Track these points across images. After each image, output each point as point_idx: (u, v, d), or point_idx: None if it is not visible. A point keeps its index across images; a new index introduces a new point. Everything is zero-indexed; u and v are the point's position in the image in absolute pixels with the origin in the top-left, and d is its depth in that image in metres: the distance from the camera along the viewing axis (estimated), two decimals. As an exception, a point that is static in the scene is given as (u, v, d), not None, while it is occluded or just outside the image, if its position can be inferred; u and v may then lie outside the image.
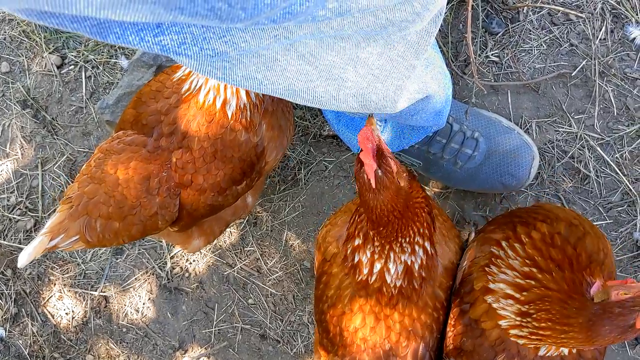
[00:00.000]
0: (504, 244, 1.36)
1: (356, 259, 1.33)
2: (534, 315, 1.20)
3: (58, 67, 2.19)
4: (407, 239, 1.25)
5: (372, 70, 1.06)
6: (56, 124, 2.18)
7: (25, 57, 2.21)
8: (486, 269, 1.35)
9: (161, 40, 0.80)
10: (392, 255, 1.27)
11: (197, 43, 0.82)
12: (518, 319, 1.24)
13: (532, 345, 1.25)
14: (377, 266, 1.30)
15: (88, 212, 1.42)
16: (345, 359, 1.36)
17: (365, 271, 1.32)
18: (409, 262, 1.28)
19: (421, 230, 1.25)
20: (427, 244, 1.27)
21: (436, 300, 1.38)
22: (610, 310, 1.06)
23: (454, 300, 1.42)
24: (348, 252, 1.36)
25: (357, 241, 1.32)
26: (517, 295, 1.26)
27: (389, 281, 1.30)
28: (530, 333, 1.22)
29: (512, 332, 1.26)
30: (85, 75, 2.16)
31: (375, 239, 1.27)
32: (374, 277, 1.31)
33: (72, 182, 1.51)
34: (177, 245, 1.82)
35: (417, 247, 1.26)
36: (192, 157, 1.41)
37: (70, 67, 2.18)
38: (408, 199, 1.20)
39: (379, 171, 1.14)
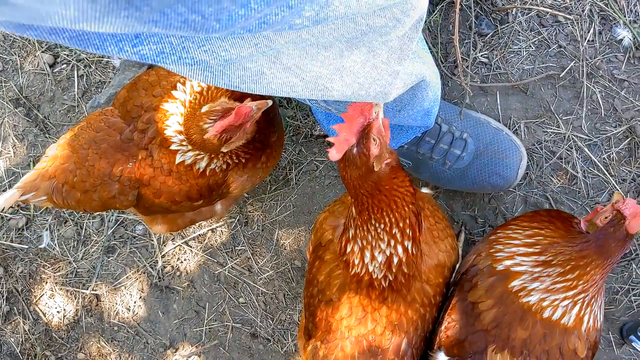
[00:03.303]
0: (499, 231, 1.51)
1: (348, 249, 1.35)
2: (554, 262, 1.33)
3: (50, 66, 2.19)
4: (382, 226, 1.26)
5: (359, 78, 1.07)
6: (48, 123, 2.19)
7: (18, 56, 2.22)
8: (491, 250, 1.45)
9: (140, 50, 0.81)
10: (372, 241, 1.29)
11: (176, 52, 0.83)
12: (537, 269, 1.34)
13: (548, 303, 1.32)
14: (367, 255, 1.31)
15: (57, 176, 1.50)
16: (328, 344, 1.37)
17: (357, 261, 1.33)
18: (388, 254, 1.29)
19: (400, 225, 1.26)
20: (407, 243, 1.28)
21: (424, 296, 1.39)
22: (607, 231, 1.30)
23: (455, 290, 1.45)
24: (343, 245, 1.37)
25: (351, 232, 1.34)
26: (531, 250, 1.39)
27: (375, 274, 1.32)
28: (548, 285, 1.32)
29: (530, 286, 1.34)
30: (77, 74, 2.17)
31: (358, 217, 1.28)
32: (364, 269, 1.33)
33: (56, 141, 1.59)
34: (143, 222, 1.87)
35: (393, 242, 1.27)
36: (152, 164, 1.46)
37: (63, 66, 2.19)
38: (382, 183, 1.21)
39: (354, 149, 1.15)
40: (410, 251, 1.31)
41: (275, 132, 1.58)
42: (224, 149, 1.39)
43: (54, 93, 2.19)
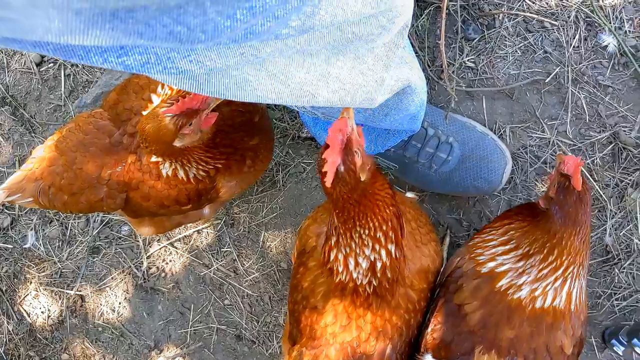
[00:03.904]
0: (476, 237, 1.52)
1: (332, 257, 1.34)
2: (531, 251, 1.33)
3: (37, 65, 2.18)
4: (367, 231, 1.26)
5: (345, 85, 1.08)
6: (34, 122, 2.18)
7: (5, 54, 2.20)
8: (472, 255, 1.46)
9: (124, 60, 0.80)
10: (356, 248, 1.28)
11: (161, 62, 0.83)
12: (520, 264, 1.34)
13: (540, 292, 1.32)
14: (351, 262, 1.31)
15: (44, 178, 1.49)
16: (313, 350, 1.36)
17: (341, 269, 1.33)
18: (372, 259, 1.29)
19: (384, 228, 1.25)
20: (390, 247, 1.28)
21: (408, 301, 1.39)
22: (561, 200, 1.28)
23: (439, 293, 1.45)
24: (326, 253, 1.37)
25: (333, 240, 1.34)
26: (508, 247, 1.39)
27: (360, 280, 1.31)
28: (536, 275, 1.32)
29: (519, 282, 1.34)
30: (64, 74, 2.16)
31: (340, 226, 1.28)
32: (348, 276, 1.32)
33: (42, 141, 1.57)
34: (130, 223, 1.86)
35: (377, 246, 1.27)
36: (141, 168, 1.46)
37: (50, 65, 2.18)
38: (367, 189, 1.21)
39: (341, 167, 1.14)
40: (393, 255, 1.31)
41: (255, 135, 1.58)
42: (177, 143, 1.35)
43: (40, 92, 2.18)
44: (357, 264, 1.30)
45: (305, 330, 1.41)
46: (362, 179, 1.18)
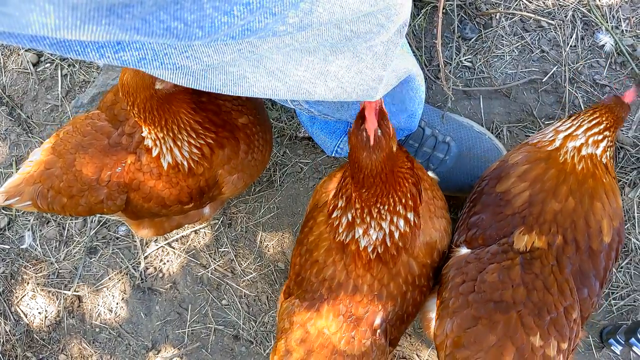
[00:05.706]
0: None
1: (334, 215, 1.34)
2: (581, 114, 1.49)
3: (34, 65, 2.18)
4: (386, 207, 1.26)
5: (342, 83, 1.08)
6: (31, 122, 2.17)
7: (1, 55, 2.20)
8: (529, 146, 1.53)
9: (121, 56, 0.80)
10: (371, 222, 1.29)
11: (158, 58, 0.83)
12: (573, 122, 1.48)
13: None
14: (359, 231, 1.30)
15: (42, 181, 1.48)
16: (305, 302, 1.36)
17: (340, 230, 1.33)
18: (388, 231, 1.29)
19: (403, 201, 1.26)
20: (409, 215, 1.28)
21: (409, 272, 1.37)
22: (614, 98, 1.48)
23: (474, 195, 1.51)
24: (330, 208, 1.37)
25: (340, 203, 1.34)
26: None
27: (365, 246, 1.31)
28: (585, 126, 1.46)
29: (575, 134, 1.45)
30: (61, 74, 2.15)
31: (357, 201, 1.28)
32: (349, 238, 1.32)
33: (39, 142, 1.56)
34: (129, 226, 1.85)
35: (396, 218, 1.27)
36: (141, 168, 1.44)
37: (47, 65, 2.18)
38: (394, 165, 1.22)
39: (379, 131, 1.15)
40: (412, 222, 1.31)
41: (244, 114, 1.54)
42: (158, 85, 1.28)
43: (37, 92, 2.17)
44: (365, 233, 1.29)
45: (303, 283, 1.40)
46: (394, 149, 1.18)
